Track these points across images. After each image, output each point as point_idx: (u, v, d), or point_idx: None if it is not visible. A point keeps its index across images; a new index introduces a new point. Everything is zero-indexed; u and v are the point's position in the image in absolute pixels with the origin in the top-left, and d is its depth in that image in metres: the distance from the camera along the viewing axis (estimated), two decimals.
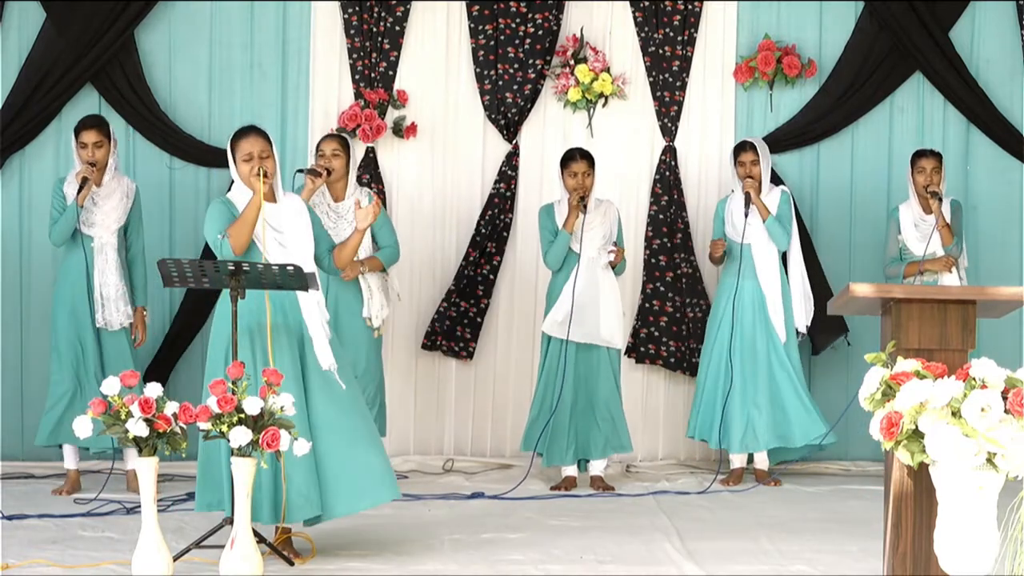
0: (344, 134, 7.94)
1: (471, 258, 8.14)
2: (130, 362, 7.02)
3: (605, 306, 7.33)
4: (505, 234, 8.18)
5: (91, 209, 7.01)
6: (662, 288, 8.20)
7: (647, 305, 8.20)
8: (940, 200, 7.49)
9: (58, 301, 7.09)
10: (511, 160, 8.19)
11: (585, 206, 7.26)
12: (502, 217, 8.16)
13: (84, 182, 6.89)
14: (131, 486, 7.02)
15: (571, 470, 7.44)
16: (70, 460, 7.13)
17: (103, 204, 7.05)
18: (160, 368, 7.74)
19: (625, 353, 8.04)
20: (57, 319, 7.08)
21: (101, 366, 6.99)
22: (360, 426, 5.62)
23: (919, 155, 7.67)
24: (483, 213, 8.17)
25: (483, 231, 8.15)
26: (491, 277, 8.15)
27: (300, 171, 6.96)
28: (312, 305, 5.56)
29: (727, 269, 7.68)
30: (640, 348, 8.22)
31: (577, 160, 7.35)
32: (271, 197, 5.67)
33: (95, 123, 7.08)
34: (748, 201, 7.48)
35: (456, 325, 8.11)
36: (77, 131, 7.04)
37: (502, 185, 8.18)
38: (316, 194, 7.04)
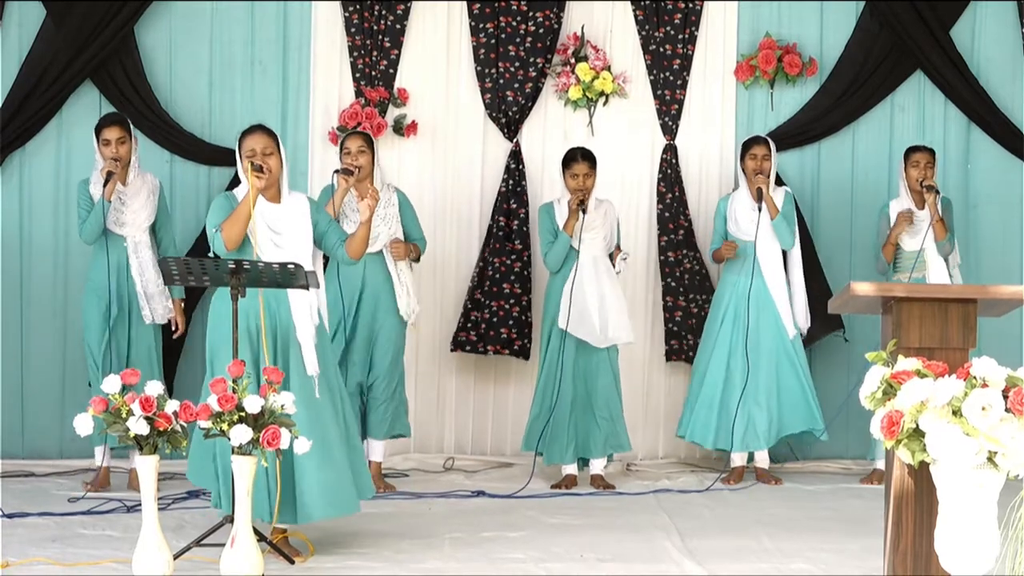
0: (343, 132, 7.94)
1: (523, 254, 8.09)
2: (156, 358, 7.12)
3: (612, 306, 7.32)
4: (525, 229, 8.14)
5: (120, 209, 7.03)
6: (673, 284, 8.19)
7: (664, 302, 8.20)
8: (937, 193, 7.48)
9: (90, 303, 7.08)
10: (518, 157, 8.19)
11: (583, 209, 7.25)
12: (519, 213, 8.14)
13: (109, 176, 6.91)
14: (132, 484, 7.03)
15: (571, 468, 7.44)
16: (100, 456, 7.13)
17: (131, 203, 7.07)
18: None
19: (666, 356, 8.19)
20: (90, 321, 7.07)
21: (127, 363, 7.01)
22: (330, 436, 5.57)
23: (913, 150, 7.66)
24: (511, 210, 8.13)
25: (519, 228, 8.11)
26: (526, 273, 8.11)
27: (336, 172, 6.88)
28: (304, 308, 5.56)
29: (730, 267, 7.67)
30: (668, 344, 8.23)
31: (579, 161, 7.35)
32: (275, 197, 5.67)
33: (117, 120, 7.11)
34: (760, 197, 7.47)
35: (502, 326, 8.06)
36: (99, 129, 7.07)
37: (523, 183, 8.15)
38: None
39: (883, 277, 7.71)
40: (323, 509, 5.56)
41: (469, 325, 8.06)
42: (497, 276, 8.07)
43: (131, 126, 7.17)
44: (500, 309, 8.05)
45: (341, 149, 7.16)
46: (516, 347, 8.04)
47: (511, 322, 8.04)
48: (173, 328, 7.28)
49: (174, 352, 7.79)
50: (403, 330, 7.28)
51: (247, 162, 5.58)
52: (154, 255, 7.11)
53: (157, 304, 7.10)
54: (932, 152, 7.63)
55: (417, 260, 7.33)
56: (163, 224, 7.24)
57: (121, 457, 7.26)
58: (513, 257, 8.10)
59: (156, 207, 7.18)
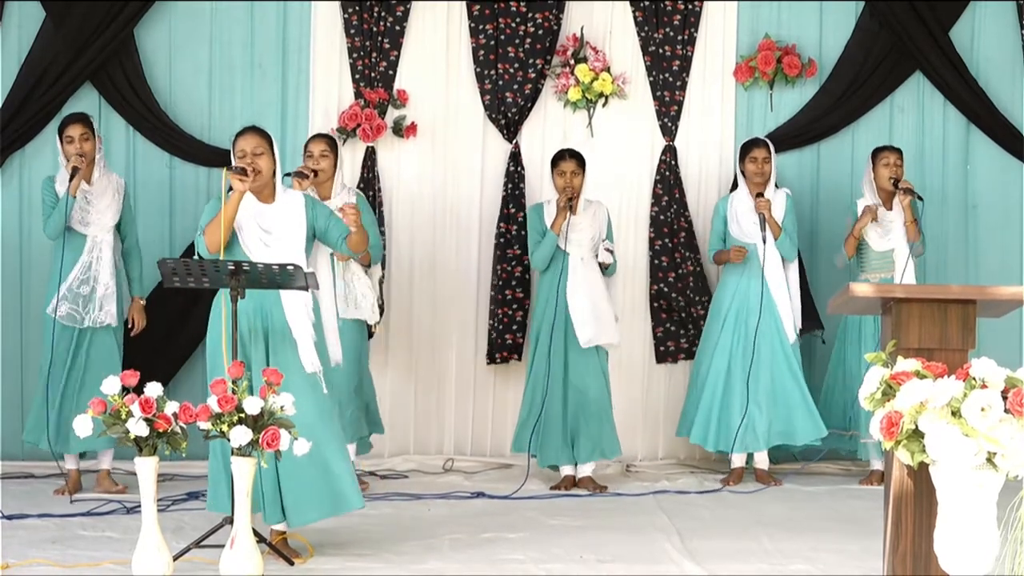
0: (343, 133, 7.97)
1: (523, 258, 8.08)
2: (118, 361, 7.03)
3: (598, 307, 7.32)
4: (524, 233, 8.14)
5: (86, 208, 7.02)
6: (665, 288, 8.20)
7: (655, 305, 8.21)
8: (914, 195, 7.49)
9: (51, 303, 7.07)
10: (517, 160, 8.19)
11: (571, 208, 7.26)
12: (518, 218, 8.13)
13: (75, 172, 6.89)
14: (101, 485, 7.03)
15: (569, 469, 7.44)
16: (71, 461, 7.13)
17: (97, 202, 7.06)
18: (160, 368, 7.69)
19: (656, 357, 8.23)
20: (50, 321, 7.06)
21: (86, 365, 6.99)
22: (332, 433, 5.59)
23: (881, 149, 7.68)
24: (509, 215, 8.14)
25: (517, 232, 8.10)
26: (527, 277, 8.10)
27: (288, 175, 6.92)
28: (298, 307, 5.54)
29: (730, 269, 7.67)
30: (660, 348, 8.23)
31: (566, 159, 7.37)
32: (269, 197, 5.66)
33: (79, 118, 7.09)
34: (763, 222, 7.45)
35: (506, 332, 8.08)
36: (62, 128, 7.04)
37: (523, 185, 8.15)
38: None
39: (845, 273, 7.75)
40: (354, 502, 5.57)
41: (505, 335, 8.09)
42: (500, 283, 8.08)
43: (95, 125, 7.14)
44: (505, 316, 8.05)
45: (304, 151, 7.14)
46: (523, 351, 8.06)
47: (515, 327, 8.05)
48: (130, 325, 7.24)
49: (175, 353, 7.80)
50: (360, 333, 7.19)
51: (228, 167, 5.54)
52: (115, 256, 7.10)
53: (99, 307, 7.02)
54: (900, 152, 7.64)
55: (369, 266, 7.22)
56: (128, 223, 7.22)
57: (91, 458, 7.22)
58: (514, 263, 8.10)
59: (121, 207, 7.16)
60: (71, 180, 6.88)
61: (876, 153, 7.68)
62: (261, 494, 5.47)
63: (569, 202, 7.27)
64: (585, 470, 7.45)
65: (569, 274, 7.30)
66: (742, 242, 7.59)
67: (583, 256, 7.35)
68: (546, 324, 7.36)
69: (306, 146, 7.18)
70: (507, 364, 8.12)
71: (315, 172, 6.95)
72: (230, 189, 5.52)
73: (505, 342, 8.05)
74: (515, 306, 8.07)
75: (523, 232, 8.08)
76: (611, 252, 7.38)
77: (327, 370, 5.71)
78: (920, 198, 7.54)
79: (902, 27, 8.17)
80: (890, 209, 7.62)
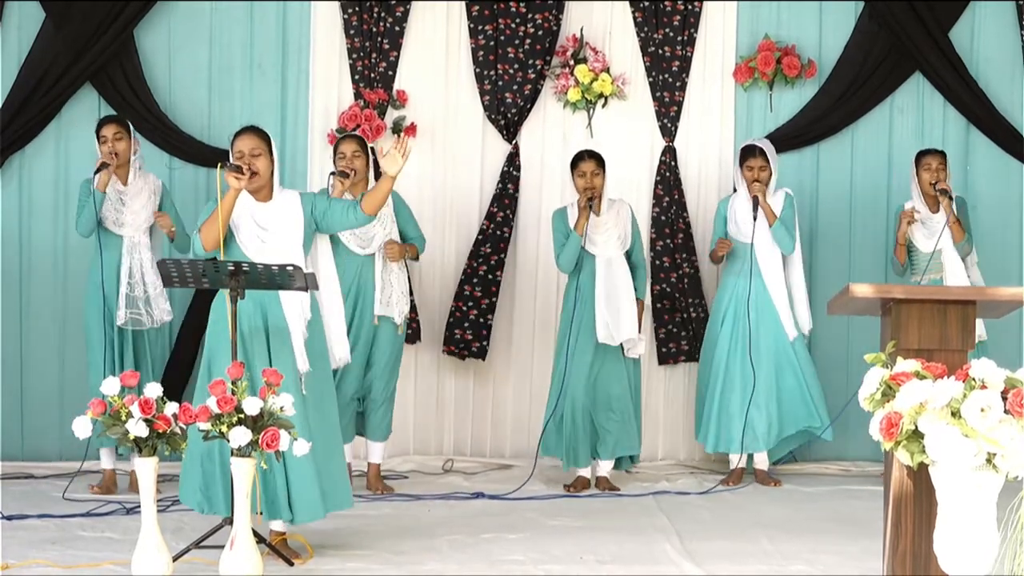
0: (342, 134, 7.97)
1: (490, 258, 8.10)
2: (154, 362, 7.11)
3: (626, 307, 7.31)
4: (505, 233, 8.16)
5: (119, 208, 7.05)
6: (668, 289, 8.20)
7: (658, 306, 8.21)
8: (950, 197, 7.49)
9: (90, 303, 7.08)
10: (513, 160, 8.19)
11: (591, 206, 7.26)
12: (510, 217, 8.15)
13: (102, 167, 6.91)
14: (134, 487, 7.04)
15: (586, 472, 7.43)
16: (107, 460, 7.14)
17: (131, 203, 7.09)
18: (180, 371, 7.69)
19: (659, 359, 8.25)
20: (91, 320, 7.07)
21: (135, 364, 7.03)
22: (326, 432, 5.60)
23: (924, 153, 7.67)
24: (491, 213, 8.15)
25: (492, 232, 8.13)
26: (490, 276, 8.14)
27: (332, 174, 6.98)
28: (295, 306, 5.54)
29: (729, 269, 7.67)
30: (662, 349, 8.23)
31: (586, 160, 7.35)
32: (266, 197, 5.66)
33: (114, 119, 7.19)
34: (756, 204, 7.46)
35: (456, 327, 8.10)
36: (97, 129, 7.11)
37: (510, 185, 8.17)
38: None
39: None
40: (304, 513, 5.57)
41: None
42: (463, 278, 8.10)
43: (131, 127, 7.18)
44: (457, 310, 8.07)
45: (335, 152, 7.18)
46: (474, 349, 8.06)
47: (466, 324, 8.05)
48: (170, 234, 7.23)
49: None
50: (400, 333, 7.28)
51: (223, 164, 5.55)
52: (154, 255, 7.11)
53: (154, 306, 7.08)
54: (943, 155, 7.64)
55: (416, 259, 7.36)
56: (173, 218, 7.25)
57: (123, 459, 7.25)
58: (480, 260, 8.11)
59: (157, 208, 7.18)
60: (95, 174, 6.90)
61: (919, 157, 7.66)
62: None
63: (590, 202, 7.26)
64: (603, 469, 7.43)
65: (595, 277, 7.28)
66: (740, 242, 7.58)
67: (610, 257, 7.34)
68: (573, 326, 7.34)
69: (336, 147, 7.20)
70: (494, 359, 8.13)
71: (354, 171, 6.99)
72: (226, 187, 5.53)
73: (453, 336, 8.06)
74: (470, 303, 8.08)
75: (500, 232, 8.10)
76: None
77: (326, 370, 5.71)
78: (951, 198, 7.51)
79: (901, 28, 8.16)
80: (936, 212, 7.60)
